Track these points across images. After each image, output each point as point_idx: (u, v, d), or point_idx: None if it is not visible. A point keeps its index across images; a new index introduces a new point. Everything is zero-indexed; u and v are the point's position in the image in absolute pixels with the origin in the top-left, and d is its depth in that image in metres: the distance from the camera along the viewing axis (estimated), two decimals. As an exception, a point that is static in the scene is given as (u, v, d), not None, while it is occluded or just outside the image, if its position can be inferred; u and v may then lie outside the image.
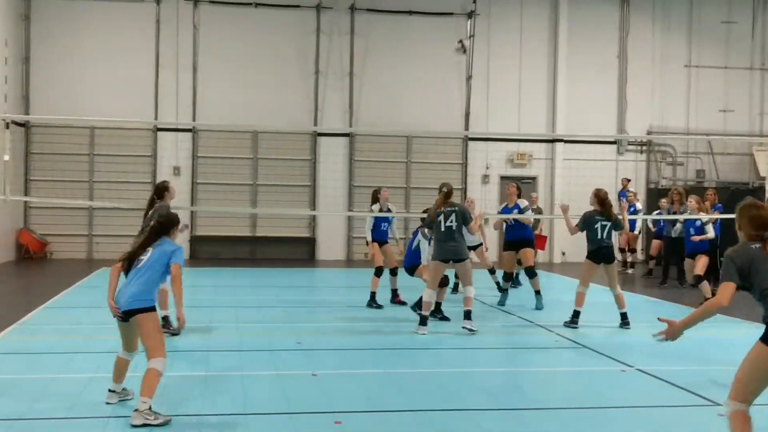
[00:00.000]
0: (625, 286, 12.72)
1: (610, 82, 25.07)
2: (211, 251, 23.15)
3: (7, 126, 13.88)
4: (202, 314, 12.54)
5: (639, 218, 19.79)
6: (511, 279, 14.46)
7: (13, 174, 19.53)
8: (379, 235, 13.95)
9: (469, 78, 24.32)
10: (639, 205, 21.11)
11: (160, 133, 23.12)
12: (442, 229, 11.15)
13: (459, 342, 10.62)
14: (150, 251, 7.05)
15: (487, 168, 24.32)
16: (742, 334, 10.68)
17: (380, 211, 13.97)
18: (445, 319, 12.10)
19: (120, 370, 7.21)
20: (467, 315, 11.12)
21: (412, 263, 13.04)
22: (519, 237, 14.17)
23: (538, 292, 13.77)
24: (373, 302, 13.57)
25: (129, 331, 7.06)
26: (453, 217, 11.18)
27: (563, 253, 24.42)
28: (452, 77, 24.36)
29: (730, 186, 24.03)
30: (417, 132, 23.13)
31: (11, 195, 15.60)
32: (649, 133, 24.94)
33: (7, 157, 14.12)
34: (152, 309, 6.90)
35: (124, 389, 7.25)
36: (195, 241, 23.15)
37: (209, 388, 7.80)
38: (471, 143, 24.24)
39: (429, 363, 9.38)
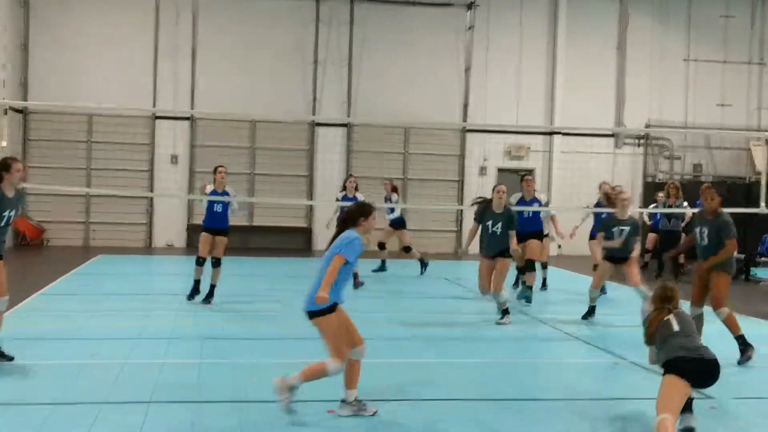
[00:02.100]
0: (620, 278, 12.74)
1: (609, 75, 25.05)
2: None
3: (5, 112, 13.90)
4: (198, 303, 12.57)
5: (636, 212, 19.79)
6: (524, 272, 13.75)
7: (11, 160, 19.49)
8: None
9: (467, 69, 24.31)
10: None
11: (158, 121, 23.10)
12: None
13: (452, 333, 10.65)
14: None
15: (485, 160, 24.32)
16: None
17: (344, 198, 14.83)
18: None
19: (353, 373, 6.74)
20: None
21: None
22: (531, 229, 13.63)
23: (529, 287, 13.33)
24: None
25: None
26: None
27: (559, 246, 24.43)
28: (451, 68, 24.34)
29: (726, 180, 24.06)
30: (415, 123, 23.13)
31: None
32: (646, 126, 24.94)
33: (4, 144, 14.13)
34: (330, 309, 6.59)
35: (357, 399, 6.72)
36: (191, 229, 23.14)
37: (203, 376, 7.83)
38: (469, 135, 24.24)
39: (421, 353, 9.41)
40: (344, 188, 15.46)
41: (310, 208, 23.53)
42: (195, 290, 12.44)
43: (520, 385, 8.05)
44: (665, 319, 6.54)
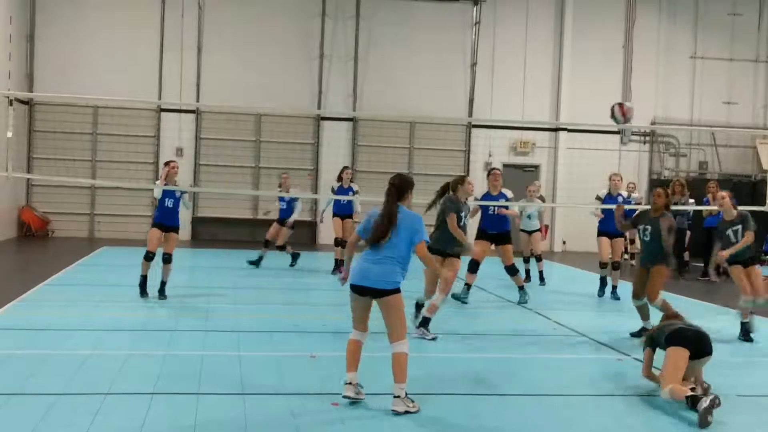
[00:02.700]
0: (625, 275, 12.74)
1: (615, 71, 25.01)
2: (211, 232, 23.22)
3: (11, 103, 13.81)
4: (201, 295, 12.58)
5: (642, 208, 19.72)
6: (477, 269, 12.59)
7: (16, 151, 19.55)
8: (339, 209, 15.77)
9: (473, 65, 24.27)
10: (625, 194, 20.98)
11: (163, 114, 23.12)
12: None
13: (454, 327, 10.64)
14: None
15: (490, 156, 24.29)
16: (737, 324, 10.67)
17: (339, 189, 15.48)
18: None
19: (355, 354, 6.82)
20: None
21: None
22: (501, 230, 12.88)
23: (521, 288, 12.91)
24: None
25: (363, 308, 6.85)
26: None
27: (564, 242, 24.45)
28: (457, 64, 24.31)
29: (732, 178, 24.03)
30: (420, 118, 23.11)
31: (14, 172, 15.58)
32: (652, 123, 24.89)
33: (10, 134, 14.09)
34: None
35: (359, 384, 6.78)
36: (196, 222, 23.21)
37: (206, 368, 7.83)
38: (474, 130, 24.21)
39: (423, 347, 9.40)
40: (340, 179, 15.91)
41: (315, 202, 23.52)
42: (143, 286, 11.96)
43: (520, 381, 8.04)
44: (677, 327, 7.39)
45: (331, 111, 23.45)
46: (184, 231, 23.09)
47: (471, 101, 24.26)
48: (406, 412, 6.45)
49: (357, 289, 6.69)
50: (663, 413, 6.88)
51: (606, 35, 24.94)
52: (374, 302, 6.75)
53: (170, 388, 7.04)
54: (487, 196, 13.04)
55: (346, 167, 16.47)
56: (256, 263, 16.56)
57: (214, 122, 23.22)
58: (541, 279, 15.53)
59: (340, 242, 15.71)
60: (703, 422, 6.41)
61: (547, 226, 20.64)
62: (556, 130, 24.45)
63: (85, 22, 22.75)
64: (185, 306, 11.59)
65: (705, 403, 6.46)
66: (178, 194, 12.18)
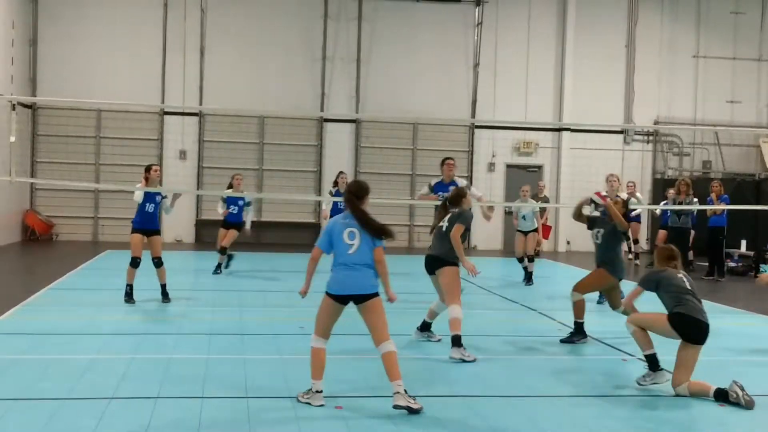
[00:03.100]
0: (630, 275, 12.73)
1: (618, 71, 25.00)
2: (214, 235, 23.06)
3: (14, 107, 13.83)
4: (205, 298, 12.58)
5: (645, 208, 19.75)
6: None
7: (20, 156, 19.59)
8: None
9: (476, 66, 24.27)
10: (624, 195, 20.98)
11: (166, 117, 23.14)
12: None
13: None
14: (356, 234, 6.93)
15: (493, 156, 24.29)
16: (745, 324, 10.66)
17: (336, 194, 15.68)
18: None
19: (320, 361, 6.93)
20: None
21: None
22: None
23: None
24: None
25: (337, 315, 7.02)
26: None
27: (568, 242, 24.43)
28: (459, 65, 24.32)
29: (736, 177, 24.01)
30: (423, 119, 23.11)
31: (17, 177, 15.60)
32: (656, 123, 24.87)
33: (13, 139, 14.10)
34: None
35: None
36: (200, 225, 23.23)
37: (211, 370, 7.83)
38: (477, 131, 24.22)
39: (428, 349, 9.39)
40: (336, 184, 16.46)
41: (319, 204, 23.51)
42: (130, 294, 11.80)
43: (525, 382, 8.03)
44: (678, 275, 7.67)
45: (334, 113, 23.47)
46: (189, 234, 23.28)
47: (474, 102, 24.26)
48: (408, 407, 6.54)
49: (338, 298, 6.86)
50: (670, 414, 6.88)
51: (608, 35, 24.93)
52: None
53: (174, 391, 7.04)
54: (439, 185, 12.65)
55: (341, 172, 16.78)
56: (219, 268, 16.05)
57: (217, 125, 23.25)
58: (529, 279, 15.56)
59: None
60: (750, 402, 7.02)
61: (550, 227, 20.63)
62: (559, 130, 24.44)
63: (87, 25, 22.80)
64: (189, 309, 11.59)
65: (738, 389, 7.09)
66: (158, 198, 12.05)
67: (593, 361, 9.11)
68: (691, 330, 7.46)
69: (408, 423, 6.37)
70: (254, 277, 15.90)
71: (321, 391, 6.81)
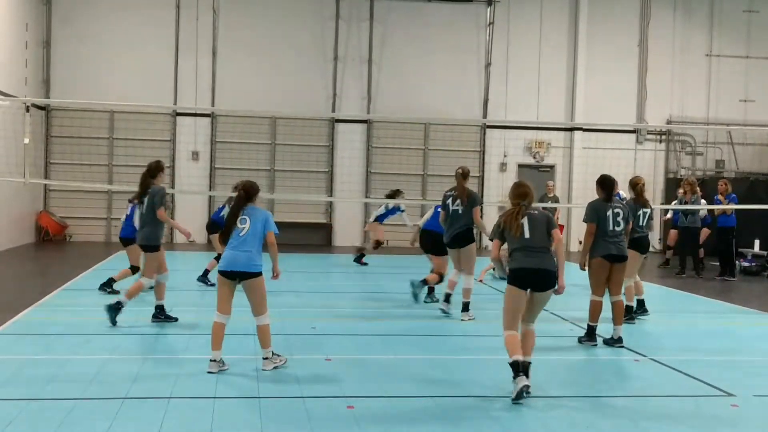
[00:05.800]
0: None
1: (630, 70, 24.92)
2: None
3: (28, 109, 13.94)
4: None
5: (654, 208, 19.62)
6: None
7: (33, 157, 19.68)
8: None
9: (487, 65, 24.25)
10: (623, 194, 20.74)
11: (179, 118, 23.22)
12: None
13: (469, 329, 10.64)
14: (247, 220, 7.92)
15: (505, 156, 24.26)
16: (758, 324, 10.62)
17: None
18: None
19: (219, 335, 7.84)
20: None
21: None
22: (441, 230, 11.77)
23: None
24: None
25: (230, 291, 7.94)
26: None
27: (580, 242, 24.28)
28: (471, 65, 24.30)
29: (749, 176, 23.89)
30: (434, 119, 23.11)
31: (31, 178, 15.72)
32: (668, 122, 24.79)
33: (27, 140, 14.21)
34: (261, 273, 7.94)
35: (222, 360, 7.84)
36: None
37: (222, 371, 7.85)
38: (489, 131, 24.19)
39: (440, 349, 9.40)
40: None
41: (330, 204, 23.58)
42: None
43: (538, 383, 8.02)
44: (519, 222, 7.34)
45: (345, 113, 23.50)
46: (201, 234, 23.32)
47: (485, 102, 24.24)
48: (275, 367, 7.81)
49: (227, 274, 7.87)
50: (679, 415, 6.85)
51: (621, 34, 24.85)
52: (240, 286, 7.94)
53: (187, 391, 7.07)
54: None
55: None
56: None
57: (230, 126, 23.31)
58: None
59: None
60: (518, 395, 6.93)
61: (562, 226, 20.59)
62: (571, 129, 24.38)
63: (100, 27, 22.90)
64: (201, 309, 11.61)
65: (521, 383, 6.95)
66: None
67: (606, 362, 9.08)
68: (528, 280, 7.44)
69: (420, 423, 6.38)
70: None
71: (215, 361, 7.75)
